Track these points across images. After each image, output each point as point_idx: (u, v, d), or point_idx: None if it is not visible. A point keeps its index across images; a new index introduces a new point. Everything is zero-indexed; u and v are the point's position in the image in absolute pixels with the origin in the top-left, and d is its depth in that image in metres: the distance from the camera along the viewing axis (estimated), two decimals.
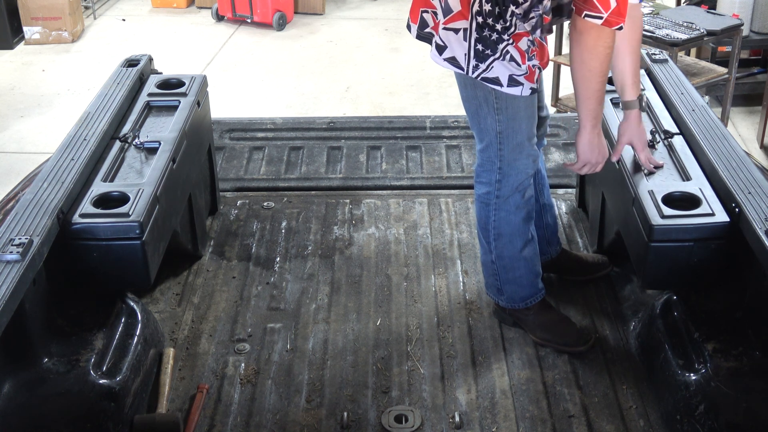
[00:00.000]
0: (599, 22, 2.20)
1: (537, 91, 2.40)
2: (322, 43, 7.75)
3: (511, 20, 2.25)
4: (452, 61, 2.37)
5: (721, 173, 2.46)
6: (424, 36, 2.44)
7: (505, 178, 2.50)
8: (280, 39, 7.86)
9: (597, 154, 2.47)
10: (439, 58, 2.40)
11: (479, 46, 2.30)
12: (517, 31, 2.27)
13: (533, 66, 2.33)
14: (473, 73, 2.34)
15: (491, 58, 2.30)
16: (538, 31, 2.31)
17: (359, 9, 8.63)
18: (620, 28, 2.22)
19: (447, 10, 2.33)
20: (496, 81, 2.33)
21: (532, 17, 2.27)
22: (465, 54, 2.33)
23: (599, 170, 2.54)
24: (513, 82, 2.33)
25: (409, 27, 2.50)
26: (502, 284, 2.66)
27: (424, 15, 2.42)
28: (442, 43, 2.37)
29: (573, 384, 2.49)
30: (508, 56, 2.29)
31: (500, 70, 2.31)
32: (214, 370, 2.57)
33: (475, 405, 2.43)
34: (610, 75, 2.44)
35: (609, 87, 3.02)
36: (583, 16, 2.21)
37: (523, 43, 2.29)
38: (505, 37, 2.27)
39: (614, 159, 2.61)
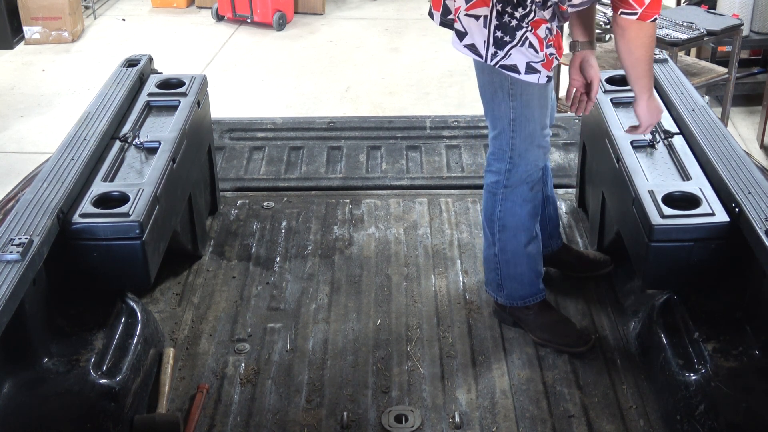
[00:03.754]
0: (635, 18, 2.29)
1: (551, 80, 2.46)
2: (322, 43, 7.75)
3: (530, 7, 2.30)
4: (472, 48, 2.41)
5: (721, 173, 2.46)
6: (446, 23, 2.50)
7: (514, 168, 2.52)
8: (280, 39, 7.86)
9: (657, 114, 2.54)
10: (460, 44, 2.44)
11: (498, 33, 2.34)
12: (536, 18, 2.32)
13: (550, 54, 2.38)
14: (491, 60, 2.38)
15: (509, 45, 2.34)
16: (556, 20, 2.37)
17: (359, 9, 8.63)
18: (655, 20, 2.31)
19: None
20: (514, 68, 2.37)
21: (550, 5, 2.32)
22: (484, 41, 2.37)
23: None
24: (530, 69, 2.37)
25: (431, 14, 2.56)
26: (503, 280, 2.66)
27: (447, 2, 2.48)
28: (463, 30, 2.41)
29: (573, 384, 2.49)
30: (527, 43, 2.34)
31: (518, 57, 2.35)
32: (214, 370, 2.57)
33: (475, 405, 2.43)
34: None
35: (610, 87, 3.04)
36: (619, 13, 2.31)
37: (542, 31, 2.34)
38: (524, 24, 2.32)
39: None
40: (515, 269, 2.63)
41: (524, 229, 2.59)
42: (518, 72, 2.37)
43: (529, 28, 2.32)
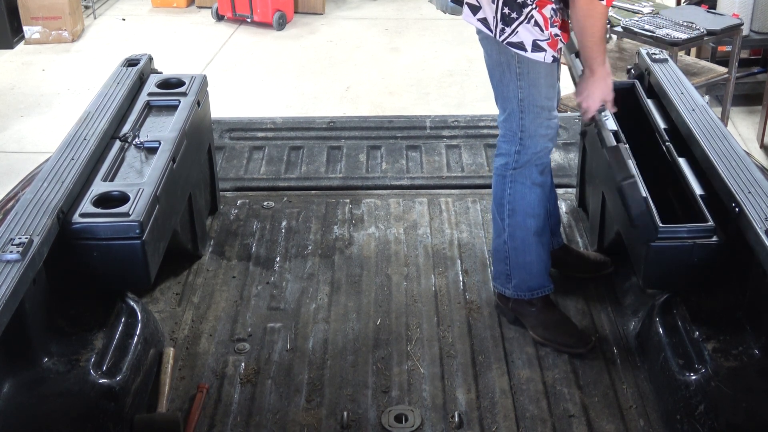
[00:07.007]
0: None
1: (557, 61, 2.49)
2: (322, 43, 7.75)
3: None
4: (484, 22, 2.47)
5: (721, 173, 2.46)
6: None
7: (524, 149, 2.55)
8: (280, 39, 7.86)
9: (601, 92, 2.52)
10: (473, 18, 2.49)
11: (506, 10, 2.40)
12: None
13: (555, 35, 2.43)
14: (500, 36, 2.43)
15: (516, 22, 2.40)
16: (561, 3, 2.43)
17: (359, 9, 8.63)
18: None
19: None
20: (520, 46, 2.42)
21: None
22: (493, 17, 2.43)
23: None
24: (536, 47, 2.42)
25: None
26: (512, 269, 2.66)
27: None
28: (476, 4, 2.47)
29: (573, 384, 2.49)
30: (532, 21, 2.39)
31: (524, 34, 2.40)
32: (214, 370, 2.57)
33: (475, 405, 2.43)
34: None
35: None
36: None
37: (547, 10, 2.40)
38: (529, 1, 2.38)
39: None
40: (524, 257, 2.64)
41: (533, 214, 2.61)
42: (525, 50, 2.42)
43: (534, 6, 2.38)
